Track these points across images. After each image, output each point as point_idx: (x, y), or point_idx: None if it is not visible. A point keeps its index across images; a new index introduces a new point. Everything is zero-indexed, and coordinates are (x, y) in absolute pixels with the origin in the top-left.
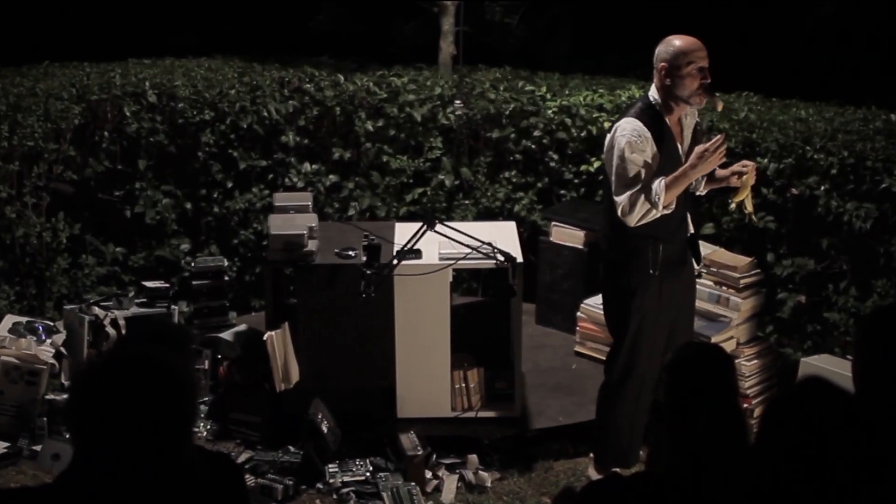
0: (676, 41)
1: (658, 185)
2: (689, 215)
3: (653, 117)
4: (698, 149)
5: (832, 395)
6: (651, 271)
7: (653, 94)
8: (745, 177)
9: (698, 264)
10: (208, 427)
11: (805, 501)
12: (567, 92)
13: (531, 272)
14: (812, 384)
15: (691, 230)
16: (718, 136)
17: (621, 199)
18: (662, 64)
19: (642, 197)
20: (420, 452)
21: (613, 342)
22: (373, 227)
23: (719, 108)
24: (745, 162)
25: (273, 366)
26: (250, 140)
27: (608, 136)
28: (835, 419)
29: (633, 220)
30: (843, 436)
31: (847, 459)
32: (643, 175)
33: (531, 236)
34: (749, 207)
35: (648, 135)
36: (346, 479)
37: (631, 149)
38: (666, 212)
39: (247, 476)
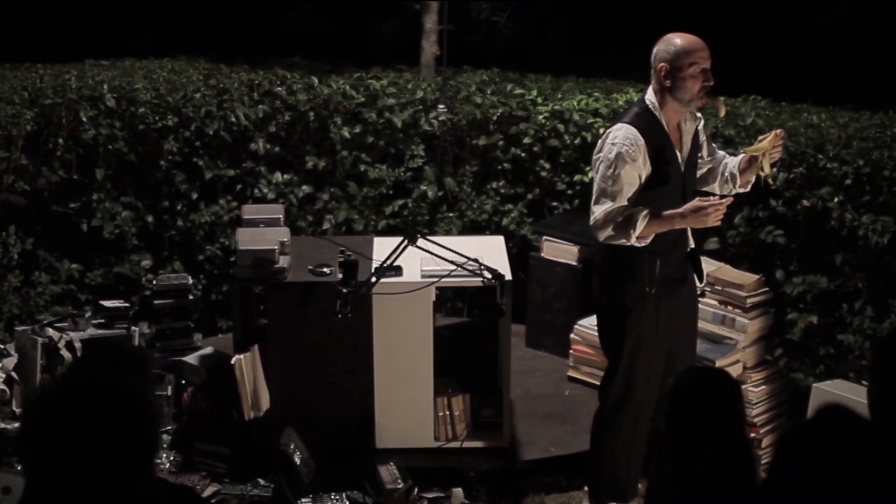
0: (677, 40)
1: (641, 215)
2: (689, 228)
3: (649, 122)
4: (696, 202)
5: (855, 426)
6: (647, 289)
7: (650, 97)
8: (767, 139)
9: (700, 281)
10: (171, 458)
11: None
12: (559, 95)
13: (521, 290)
14: (832, 413)
15: (692, 244)
16: (726, 199)
17: (598, 211)
18: (662, 64)
19: (620, 218)
20: (401, 486)
21: (608, 366)
22: (349, 242)
23: (722, 112)
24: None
25: (241, 392)
26: (217, 148)
27: (600, 141)
28: (859, 452)
29: (601, 236)
30: (868, 470)
31: (871, 497)
32: (628, 191)
33: (521, 252)
34: (766, 169)
35: (643, 143)
36: None
37: (622, 161)
38: (637, 244)
39: None
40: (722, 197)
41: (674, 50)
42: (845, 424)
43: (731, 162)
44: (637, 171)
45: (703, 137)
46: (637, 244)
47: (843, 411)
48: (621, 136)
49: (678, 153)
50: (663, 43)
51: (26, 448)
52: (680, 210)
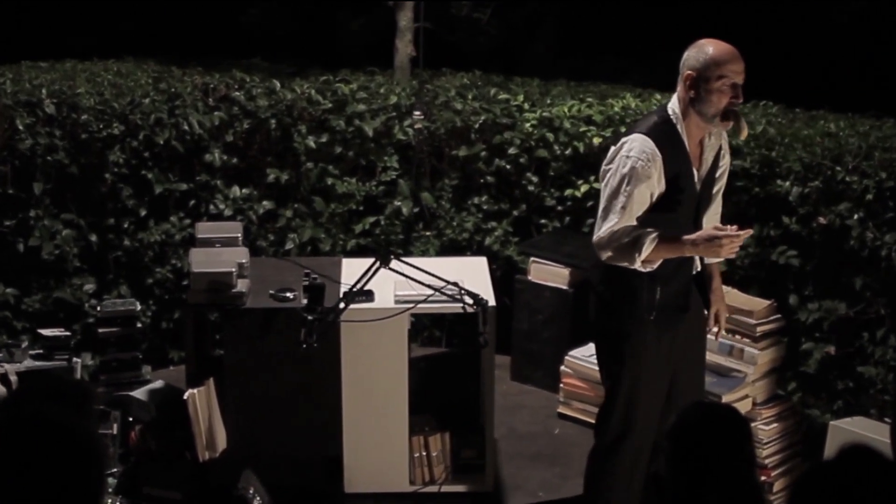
0: (710, 48)
1: (649, 238)
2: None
3: (668, 134)
4: (711, 230)
5: (879, 468)
6: (647, 316)
7: (673, 105)
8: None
9: (707, 309)
10: None
11: None
12: (549, 101)
13: (505, 318)
14: (854, 454)
15: (698, 267)
16: (745, 231)
17: (603, 229)
18: (689, 72)
19: (626, 239)
20: None
21: (606, 396)
22: (315, 264)
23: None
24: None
25: (195, 431)
26: (168, 159)
27: (612, 149)
28: (883, 497)
29: (603, 255)
30: None
31: None
32: (639, 210)
33: (505, 275)
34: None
35: (660, 158)
36: None
37: (636, 177)
38: (641, 268)
39: None
40: (740, 228)
41: (704, 59)
42: (868, 466)
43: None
44: (650, 189)
45: (724, 162)
46: (641, 269)
47: (865, 452)
48: (637, 148)
49: (695, 171)
50: (694, 49)
51: None
52: (692, 237)
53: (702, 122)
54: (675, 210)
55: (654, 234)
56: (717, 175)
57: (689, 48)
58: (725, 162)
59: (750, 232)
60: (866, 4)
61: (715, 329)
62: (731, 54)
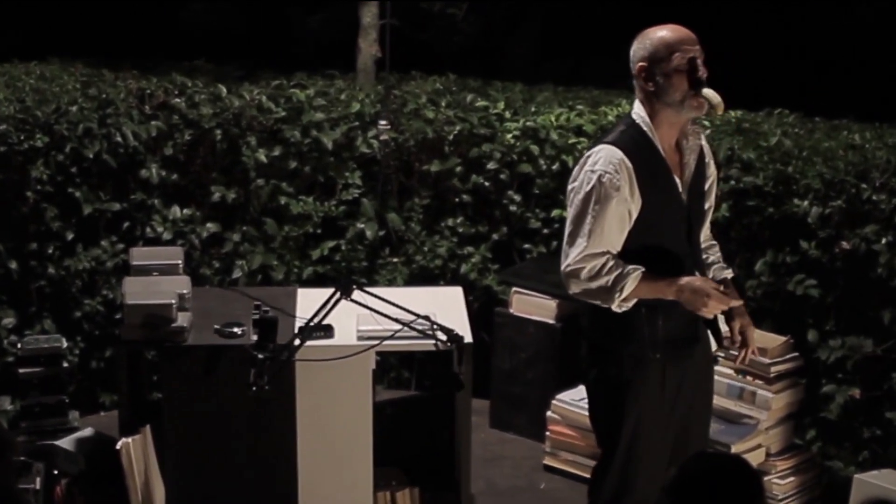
0: (654, 32)
1: (631, 275)
2: (697, 274)
3: (637, 141)
4: (701, 281)
5: None
6: (650, 354)
7: (637, 110)
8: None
9: (719, 344)
10: None
11: None
12: (533, 109)
13: (484, 356)
14: None
15: None
16: (736, 301)
17: (571, 255)
18: (641, 64)
19: (606, 279)
20: None
21: (602, 456)
22: (267, 295)
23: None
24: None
25: (129, 485)
26: (98, 175)
27: (576, 168)
28: None
29: (573, 288)
30: None
31: None
32: (612, 231)
33: (484, 307)
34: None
35: (629, 166)
36: None
37: (604, 192)
38: (617, 309)
39: None
40: (725, 289)
41: (650, 43)
42: None
43: (715, 267)
44: (624, 206)
45: (710, 171)
46: (617, 309)
47: None
48: (602, 160)
49: (678, 180)
50: (638, 39)
51: None
52: (679, 283)
53: (672, 116)
54: (662, 227)
55: (637, 273)
56: (706, 188)
57: (633, 42)
58: (712, 171)
59: (741, 303)
60: (893, 1)
61: (741, 352)
62: (679, 30)
